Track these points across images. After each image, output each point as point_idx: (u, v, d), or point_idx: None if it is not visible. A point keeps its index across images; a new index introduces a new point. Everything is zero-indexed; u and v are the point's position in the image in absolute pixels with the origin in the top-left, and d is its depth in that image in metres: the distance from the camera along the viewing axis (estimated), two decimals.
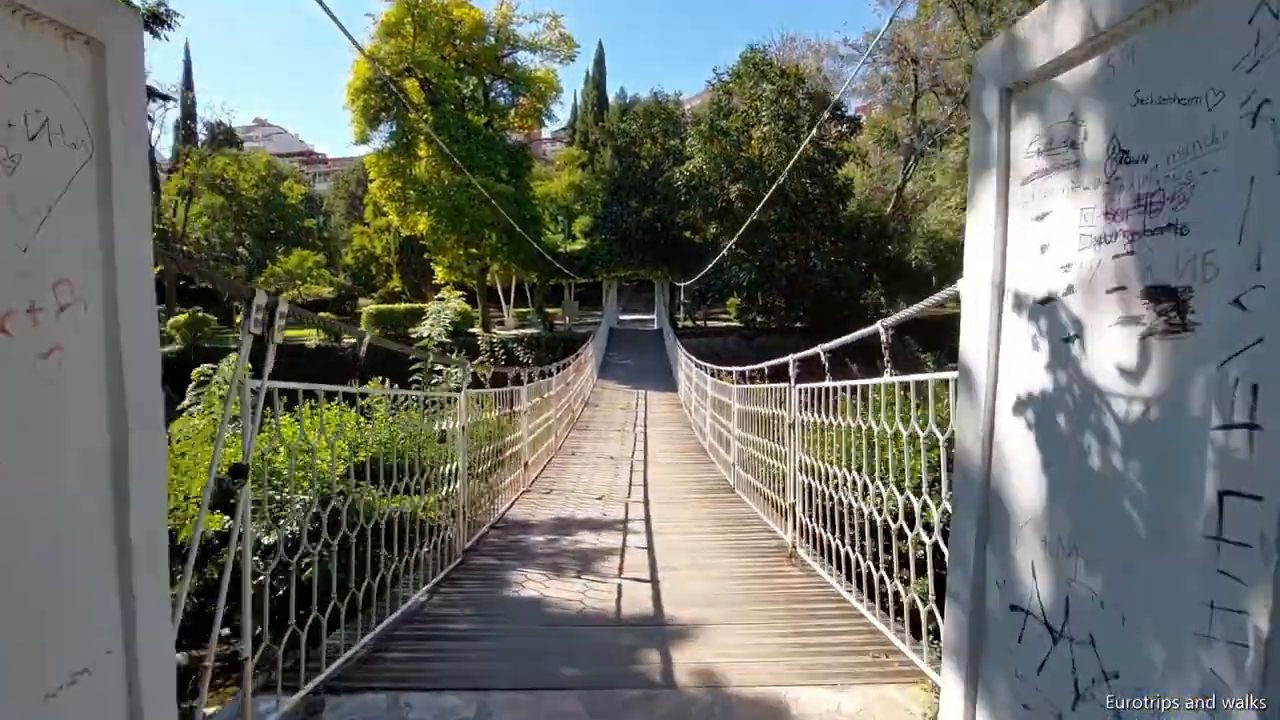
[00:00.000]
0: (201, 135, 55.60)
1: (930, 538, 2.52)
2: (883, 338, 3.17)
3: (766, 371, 5.87)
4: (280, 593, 3.01)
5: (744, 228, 15.90)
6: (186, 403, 8.97)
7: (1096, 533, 1.24)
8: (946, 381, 2.44)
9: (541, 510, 5.92)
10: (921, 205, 31.14)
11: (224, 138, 55.41)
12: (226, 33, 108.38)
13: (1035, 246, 1.42)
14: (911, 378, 2.86)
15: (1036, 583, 1.37)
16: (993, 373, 1.53)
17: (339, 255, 47.95)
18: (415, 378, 12.76)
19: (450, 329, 15.38)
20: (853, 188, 22.95)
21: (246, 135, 77.71)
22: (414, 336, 16.53)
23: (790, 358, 4.85)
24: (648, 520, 5.48)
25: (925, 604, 2.56)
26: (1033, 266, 1.43)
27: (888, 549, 3.07)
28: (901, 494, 2.84)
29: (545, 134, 68.09)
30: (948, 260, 30.15)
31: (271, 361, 2.32)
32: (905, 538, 2.74)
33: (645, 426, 11.70)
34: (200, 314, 25.44)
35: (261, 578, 2.32)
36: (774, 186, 13.33)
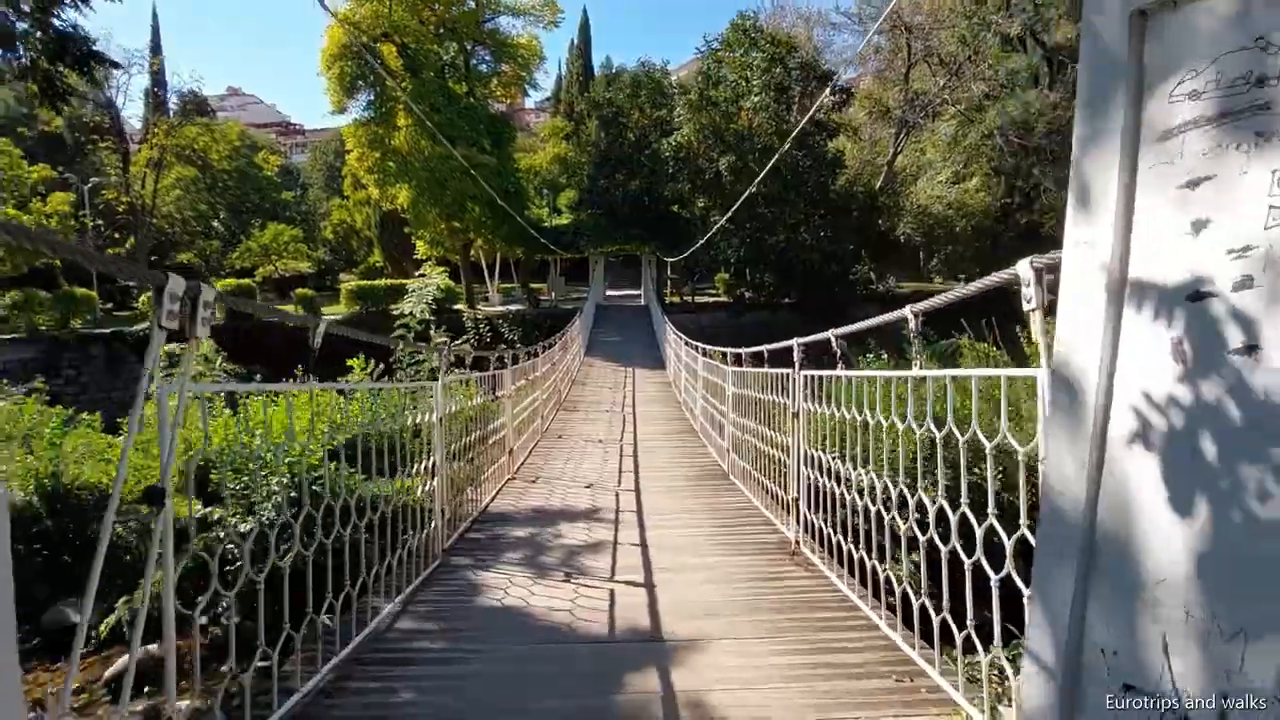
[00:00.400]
0: (173, 105, 53.62)
1: (970, 558, 2.21)
2: (912, 324, 2.83)
3: (766, 355, 5.53)
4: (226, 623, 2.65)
5: (738, 203, 15.45)
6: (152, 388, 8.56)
7: None
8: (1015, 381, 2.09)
9: (527, 501, 5.60)
10: (911, 179, 30.79)
11: (196, 107, 53.46)
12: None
13: (1181, 222, 1.07)
14: (975, 372, 2.51)
15: (1170, 664, 1.05)
16: (1104, 387, 1.18)
17: (318, 229, 46.70)
18: (396, 357, 12.33)
19: (434, 306, 14.80)
20: (844, 161, 22.49)
21: (220, 105, 75.20)
22: (395, 314, 16.02)
23: (794, 341, 4.51)
24: (640, 513, 5.17)
25: (962, 628, 2.26)
26: (1176, 249, 1.08)
27: (913, 557, 2.77)
28: (933, 503, 2.53)
29: (529, 104, 66.56)
30: (937, 235, 29.96)
31: (193, 362, 1.92)
32: (939, 551, 2.43)
33: (634, 406, 11.39)
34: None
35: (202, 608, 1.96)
36: (773, 159, 12.85)
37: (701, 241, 17.97)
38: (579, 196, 28.54)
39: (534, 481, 6.36)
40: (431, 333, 13.23)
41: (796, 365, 4.39)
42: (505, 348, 23.05)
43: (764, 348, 5.62)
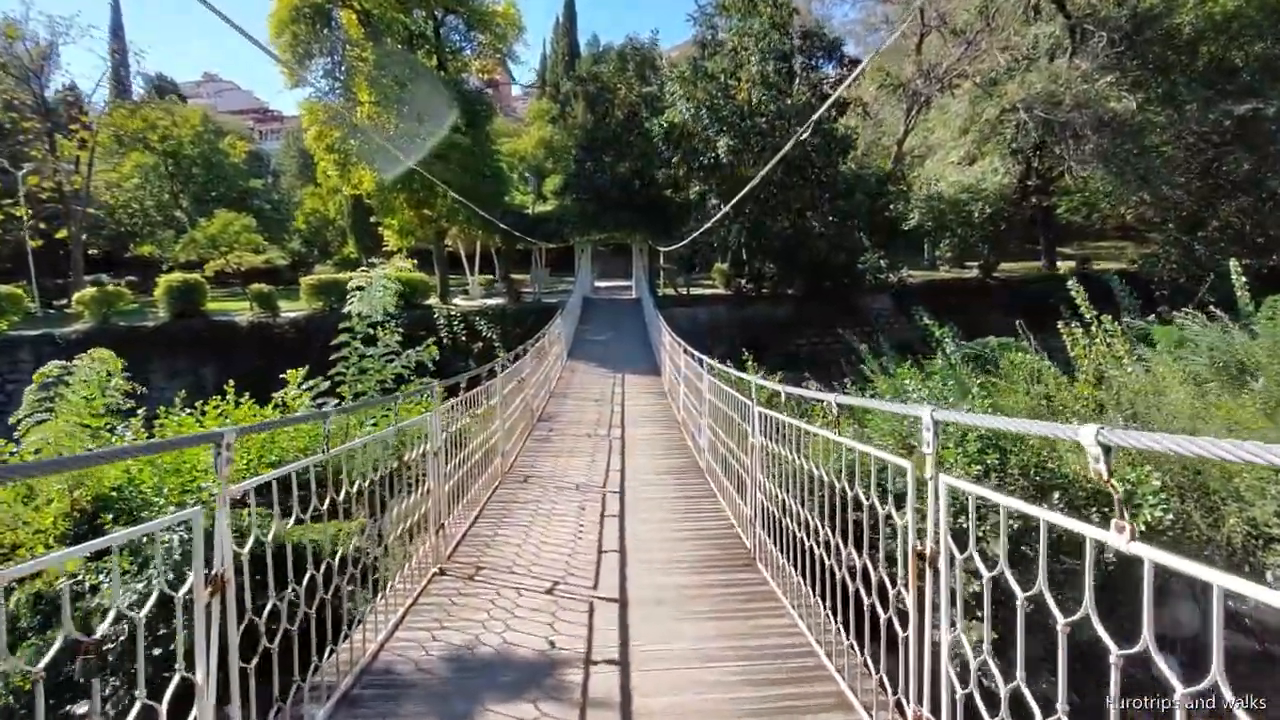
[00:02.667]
0: (139, 90, 50.84)
1: None
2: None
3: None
4: None
5: (745, 190, 13.32)
6: (22, 413, 6.70)
7: None
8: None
9: (450, 636, 3.54)
10: (918, 161, 28.78)
11: (161, 90, 50.75)
12: None
13: None
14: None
15: None
16: None
17: (289, 219, 44.21)
18: (338, 369, 10.30)
19: (394, 303, 12.46)
20: (855, 139, 20.39)
21: (195, 92, 72.48)
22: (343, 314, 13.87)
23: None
24: (625, 672, 3.11)
25: None
26: None
27: None
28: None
29: (515, 92, 64.07)
30: (948, 220, 27.98)
31: None
32: None
33: (624, 427, 9.36)
34: (114, 286, 22.21)
35: None
36: (788, 143, 10.74)
37: (701, 230, 15.90)
38: (564, 181, 26.31)
39: (471, 577, 4.31)
40: (381, 333, 11.14)
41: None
42: (470, 357, 20.91)
43: (798, 389, 3.59)
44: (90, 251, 36.88)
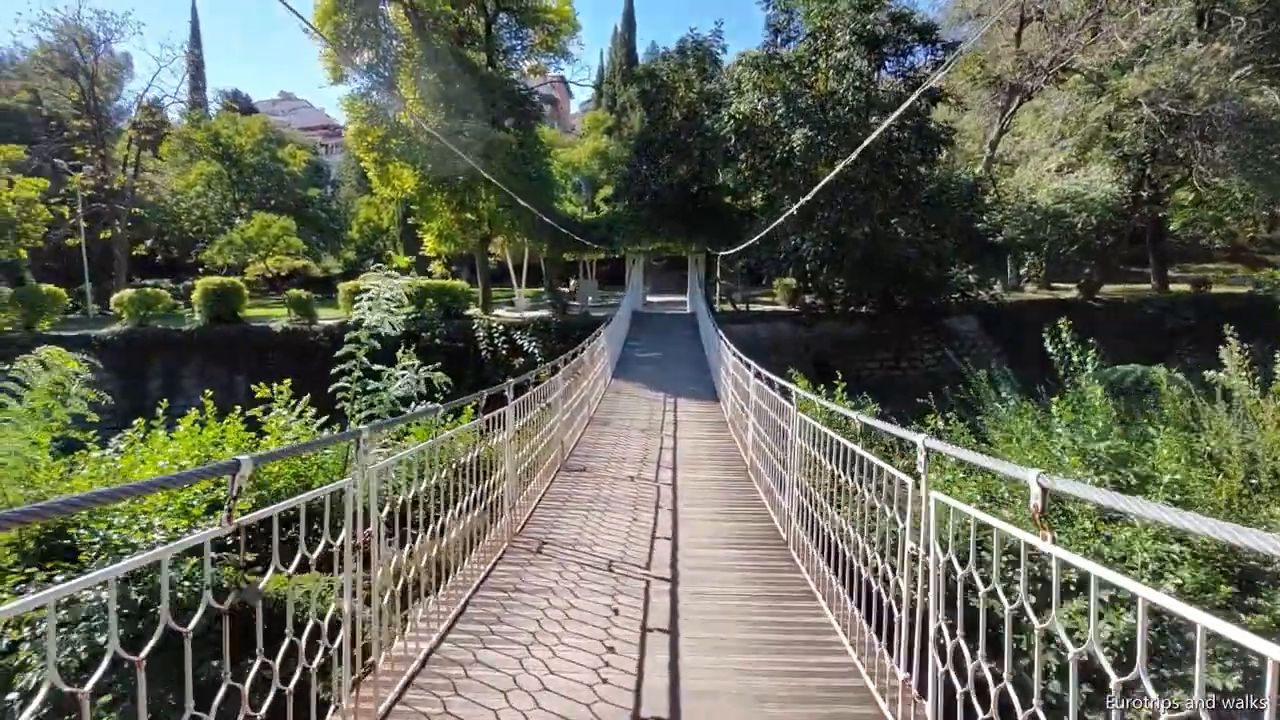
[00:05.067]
0: (215, 104, 53.01)
1: None
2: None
3: None
4: None
5: (821, 184, 11.19)
6: None
7: None
8: None
9: None
10: (1006, 170, 25.94)
11: (236, 104, 52.59)
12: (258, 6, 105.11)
13: None
14: None
15: None
16: None
17: (345, 227, 44.44)
18: (340, 395, 8.61)
19: (409, 314, 10.67)
20: (952, 134, 17.87)
21: (271, 109, 75.32)
22: (348, 324, 12.37)
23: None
24: None
25: None
26: None
27: None
28: None
29: (573, 109, 63.65)
30: (1044, 235, 24.96)
31: None
32: None
33: (675, 469, 7.33)
34: (153, 288, 21.69)
35: None
36: (876, 131, 8.62)
37: (770, 229, 13.80)
38: (616, 186, 24.61)
39: None
40: (400, 355, 9.48)
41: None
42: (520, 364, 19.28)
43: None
44: (156, 258, 37.60)
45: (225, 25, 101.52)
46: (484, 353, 19.98)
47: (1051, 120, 23.22)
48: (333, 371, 8.81)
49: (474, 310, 21.86)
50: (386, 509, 3.08)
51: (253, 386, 8.28)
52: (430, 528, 3.57)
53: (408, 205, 26.71)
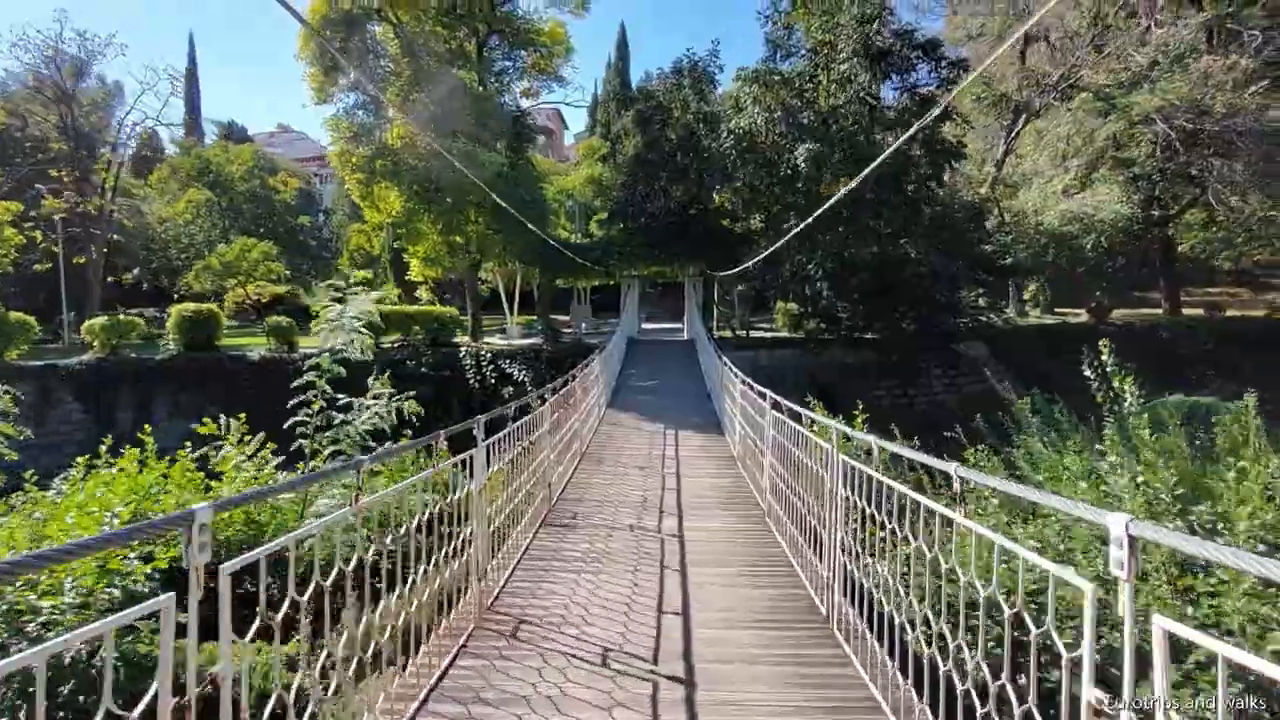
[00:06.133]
0: (212, 134, 53.11)
1: None
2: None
3: None
4: None
5: (832, 200, 10.36)
6: None
7: None
8: None
9: None
10: (1009, 192, 25.39)
11: (232, 136, 52.67)
12: (261, 39, 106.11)
13: None
14: None
15: None
16: None
17: (337, 255, 43.77)
18: (298, 429, 7.66)
19: (394, 341, 9.56)
20: (964, 148, 17.18)
21: (269, 141, 75.48)
22: (300, 358, 11.35)
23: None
24: None
25: None
26: None
27: None
28: None
29: (568, 141, 63.74)
30: (1049, 257, 24.27)
31: None
32: None
33: (680, 516, 6.29)
34: (126, 315, 20.66)
35: None
36: (897, 145, 8.37)
37: (768, 251, 12.95)
38: (611, 208, 23.88)
39: None
40: (372, 382, 8.49)
41: None
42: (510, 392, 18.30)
43: None
44: (143, 286, 36.66)
45: (224, 57, 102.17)
46: (472, 382, 18.99)
47: (1056, 141, 22.70)
48: (290, 404, 7.78)
49: (463, 338, 20.91)
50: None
51: (202, 421, 7.39)
52: (356, 615, 2.55)
53: (397, 231, 25.97)
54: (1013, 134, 21.20)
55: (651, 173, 20.55)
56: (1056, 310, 29.71)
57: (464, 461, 4.02)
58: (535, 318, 29.87)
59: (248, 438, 7.52)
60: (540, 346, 20.71)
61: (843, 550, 3.74)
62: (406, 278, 22.64)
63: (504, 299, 28.13)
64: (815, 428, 4.72)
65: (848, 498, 3.68)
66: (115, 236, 26.85)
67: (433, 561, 3.42)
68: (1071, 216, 21.43)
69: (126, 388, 19.09)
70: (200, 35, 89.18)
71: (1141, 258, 26.42)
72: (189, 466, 6.72)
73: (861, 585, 3.51)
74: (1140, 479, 4.99)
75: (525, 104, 23.07)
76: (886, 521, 3.12)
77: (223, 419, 8.09)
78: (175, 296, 24.14)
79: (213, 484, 6.94)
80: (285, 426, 7.62)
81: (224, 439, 7.46)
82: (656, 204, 20.23)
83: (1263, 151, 17.08)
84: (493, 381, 18.91)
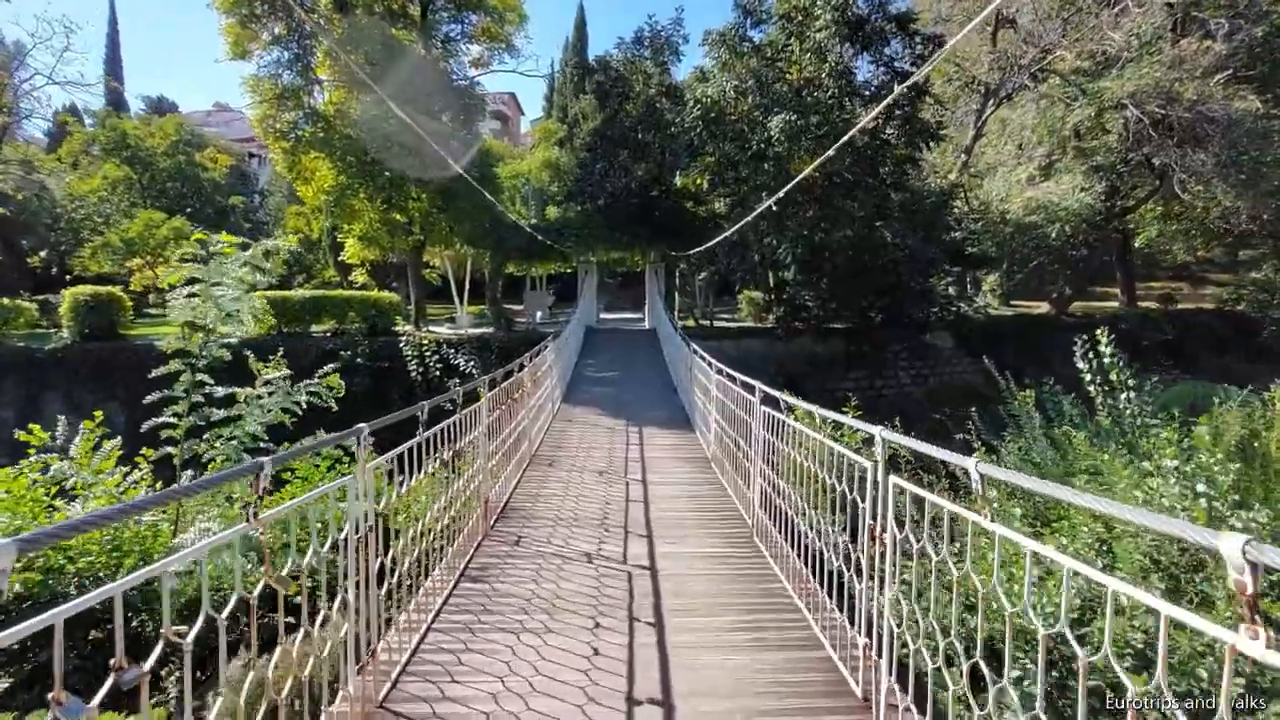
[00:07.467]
0: (139, 110, 49.52)
1: None
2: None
3: None
4: None
5: (805, 172, 9.30)
6: None
7: None
8: None
9: None
10: (974, 181, 25.02)
11: (163, 111, 49.10)
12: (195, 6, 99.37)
13: None
14: None
15: None
16: None
17: (273, 238, 40.85)
18: (163, 432, 6.03)
19: (263, 305, 7.79)
20: (941, 129, 16.35)
21: (205, 120, 70.90)
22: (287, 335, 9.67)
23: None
24: None
25: None
26: None
27: None
28: None
29: (524, 128, 61.48)
30: (1013, 245, 23.99)
31: None
32: None
33: (651, 543, 5.05)
34: (10, 300, 18.14)
35: None
36: (869, 117, 7.46)
37: (734, 229, 11.82)
38: (568, 188, 22.38)
39: None
40: (260, 368, 7.01)
41: None
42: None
43: None
44: (51, 270, 33.30)
45: (154, 39, 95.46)
46: (414, 373, 17.38)
47: (1020, 129, 22.33)
48: (146, 399, 6.26)
49: (405, 326, 19.18)
50: None
51: (83, 416, 6.03)
52: None
53: (331, 210, 23.86)
54: (981, 119, 20.64)
55: (611, 150, 19.18)
56: (1013, 302, 29.70)
57: (342, 491, 2.69)
58: (483, 305, 28.17)
59: (106, 443, 5.97)
60: (490, 335, 19.17)
61: (894, 618, 2.56)
62: (341, 258, 20.69)
63: (453, 286, 26.35)
64: (843, 435, 3.54)
65: (902, 537, 2.50)
66: (6, 211, 23.90)
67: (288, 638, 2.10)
68: (1036, 205, 21.07)
69: (11, 381, 16.80)
70: (127, 6, 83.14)
71: (1101, 249, 26.46)
72: (23, 483, 5.28)
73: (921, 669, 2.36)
74: (1199, 484, 4.33)
75: (475, 74, 21.34)
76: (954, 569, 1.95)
77: (60, 420, 6.48)
78: (67, 279, 21.54)
79: (57, 503, 5.44)
80: (142, 430, 6.09)
81: (71, 446, 5.94)
82: (617, 183, 18.89)
83: (1228, 140, 16.86)
84: (437, 373, 17.33)
